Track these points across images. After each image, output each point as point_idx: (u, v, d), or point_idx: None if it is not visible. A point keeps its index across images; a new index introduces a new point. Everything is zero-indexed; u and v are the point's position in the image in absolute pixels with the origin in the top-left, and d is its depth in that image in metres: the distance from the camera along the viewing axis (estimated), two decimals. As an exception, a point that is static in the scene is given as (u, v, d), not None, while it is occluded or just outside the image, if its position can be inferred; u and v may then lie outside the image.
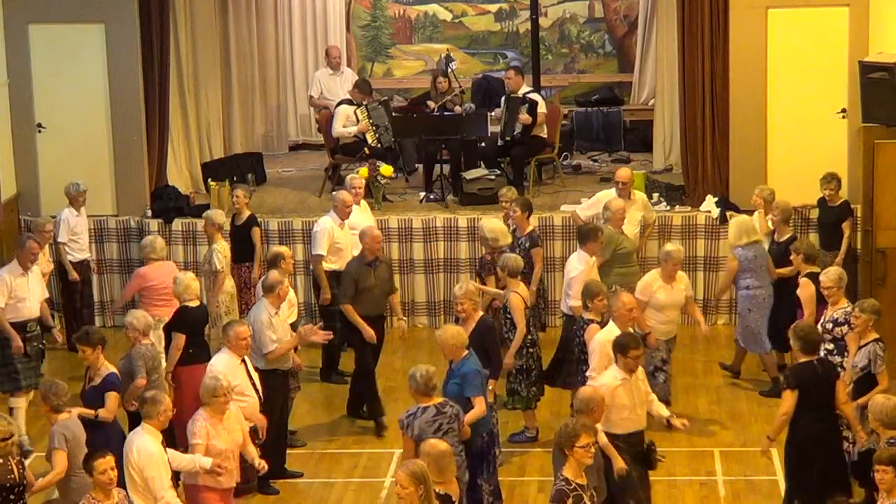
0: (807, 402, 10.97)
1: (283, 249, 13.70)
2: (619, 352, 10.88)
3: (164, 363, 12.54)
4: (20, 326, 13.42)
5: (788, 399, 11.04)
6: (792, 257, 13.34)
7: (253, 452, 10.98)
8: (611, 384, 10.73)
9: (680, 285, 13.71)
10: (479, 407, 10.99)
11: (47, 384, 10.72)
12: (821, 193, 15.38)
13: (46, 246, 15.02)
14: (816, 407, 10.97)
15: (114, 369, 11.43)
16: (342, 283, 13.87)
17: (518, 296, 13.00)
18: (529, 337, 13.03)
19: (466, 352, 11.14)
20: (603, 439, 10.40)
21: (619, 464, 10.53)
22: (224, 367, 11.31)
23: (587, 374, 11.67)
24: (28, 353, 13.40)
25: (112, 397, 11.24)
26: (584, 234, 13.80)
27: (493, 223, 14.25)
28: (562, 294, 16.35)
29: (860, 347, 11.60)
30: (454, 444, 10.11)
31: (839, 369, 11.81)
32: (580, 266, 13.53)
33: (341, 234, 14.71)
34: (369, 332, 13.52)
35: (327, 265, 14.63)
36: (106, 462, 9.44)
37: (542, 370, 13.25)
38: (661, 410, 11.25)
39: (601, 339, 11.64)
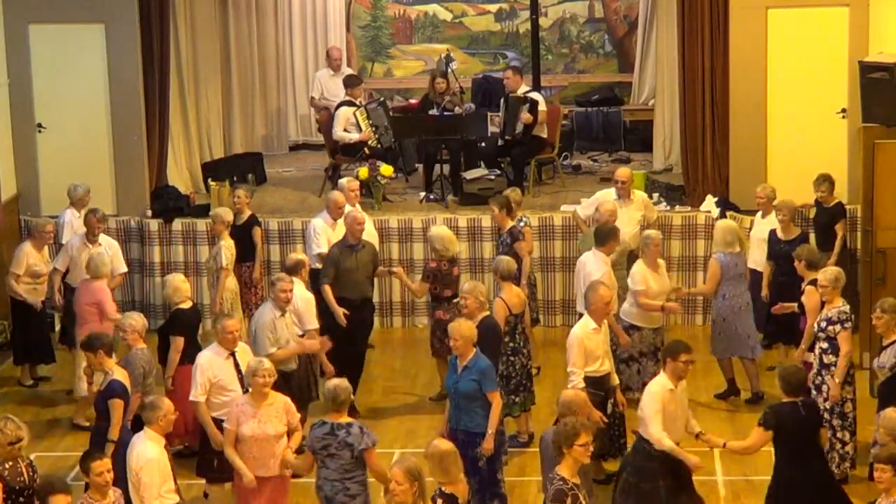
0: (785, 446, 10.38)
1: (304, 257, 13.52)
2: (669, 357, 10.67)
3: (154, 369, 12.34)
4: None
5: (758, 437, 10.45)
6: (795, 264, 13.09)
7: (287, 453, 10.74)
8: (657, 392, 10.53)
9: (663, 269, 13.66)
10: (497, 401, 11.06)
11: None
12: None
13: (45, 247, 15.05)
14: (797, 452, 10.33)
15: (118, 374, 11.24)
16: (323, 265, 13.97)
17: (501, 302, 12.85)
18: (511, 344, 12.90)
19: (475, 349, 11.12)
20: (670, 444, 10.41)
21: (693, 461, 10.57)
22: (206, 360, 11.37)
23: (568, 370, 11.50)
24: None
25: (115, 407, 11.03)
26: (603, 235, 13.60)
27: (441, 230, 14.25)
28: (561, 293, 16.49)
29: (885, 347, 11.56)
30: (337, 470, 10.06)
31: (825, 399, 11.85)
32: (602, 267, 13.23)
33: (333, 235, 14.57)
34: (339, 314, 13.59)
35: (315, 266, 14.29)
36: (102, 464, 9.53)
37: (526, 377, 13.08)
38: (695, 426, 10.95)
39: (578, 333, 11.51)
